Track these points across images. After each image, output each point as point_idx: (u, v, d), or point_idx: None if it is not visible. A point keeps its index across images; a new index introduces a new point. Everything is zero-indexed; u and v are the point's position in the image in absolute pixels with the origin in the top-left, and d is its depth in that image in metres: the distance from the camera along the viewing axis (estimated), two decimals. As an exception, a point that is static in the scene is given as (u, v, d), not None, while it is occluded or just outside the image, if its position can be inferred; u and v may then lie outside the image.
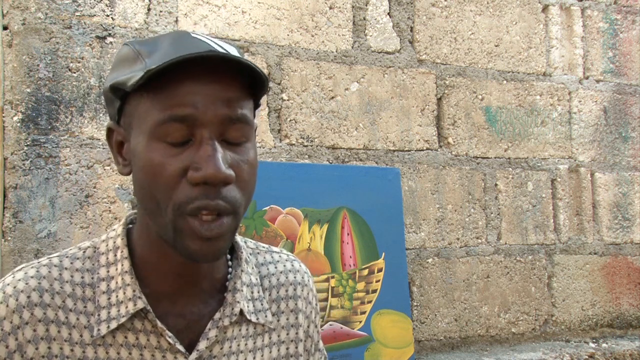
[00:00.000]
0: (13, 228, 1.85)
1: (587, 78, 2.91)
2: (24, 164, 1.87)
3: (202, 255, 0.78)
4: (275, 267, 0.97)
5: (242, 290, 0.88)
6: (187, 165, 0.76)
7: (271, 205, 2.05)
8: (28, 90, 1.90)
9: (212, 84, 0.77)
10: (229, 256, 0.92)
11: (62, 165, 1.92)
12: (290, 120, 2.28)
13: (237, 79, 0.79)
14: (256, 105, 0.86)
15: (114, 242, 0.87)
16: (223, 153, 0.77)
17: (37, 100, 1.91)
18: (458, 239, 2.55)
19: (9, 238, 1.84)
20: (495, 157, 2.66)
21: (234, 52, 0.80)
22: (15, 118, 1.88)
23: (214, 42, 0.80)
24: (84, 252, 0.87)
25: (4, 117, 1.88)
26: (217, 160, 0.75)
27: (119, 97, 0.81)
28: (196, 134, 0.77)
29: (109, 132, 0.86)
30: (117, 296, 0.83)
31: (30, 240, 1.86)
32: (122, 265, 0.84)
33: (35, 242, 1.87)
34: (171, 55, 0.75)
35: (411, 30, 2.54)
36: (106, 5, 2.02)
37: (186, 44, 0.78)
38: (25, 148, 1.88)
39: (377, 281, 2.19)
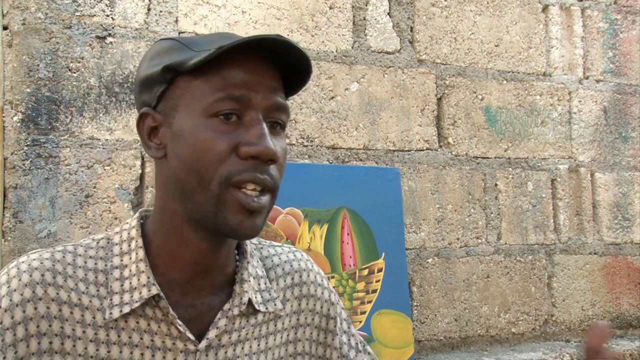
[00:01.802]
0: (13, 228, 1.85)
1: (587, 78, 2.91)
2: (24, 164, 1.87)
3: (244, 229, 0.81)
4: (279, 258, 1.00)
5: (249, 281, 0.90)
6: (237, 142, 0.81)
7: (271, 205, 2.05)
8: (28, 90, 1.90)
9: (261, 72, 0.84)
10: (235, 250, 0.94)
11: (62, 165, 1.92)
12: (290, 120, 2.28)
13: (277, 72, 0.86)
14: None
15: (128, 234, 0.89)
16: (271, 135, 0.83)
17: (37, 100, 1.91)
18: (458, 239, 2.55)
19: (9, 238, 1.84)
20: (495, 157, 2.66)
21: None
22: (15, 118, 1.88)
23: None
24: (98, 242, 0.89)
25: (4, 117, 1.88)
26: (268, 139, 0.81)
27: (168, 80, 0.85)
28: (246, 115, 0.82)
29: (142, 117, 0.88)
30: (130, 283, 0.84)
31: (30, 240, 1.86)
32: (137, 254, 0.86)
33: (35, 242, 1.87)
34: (223, 43, 0.80)
35: (411, 30, 2.54)
36: (106, 5, 2.02)
37: (231, 35, 0.86)
38: (25, 148, 1.88)
39: (377, 281, 2.19)
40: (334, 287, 2.11)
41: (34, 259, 0.84)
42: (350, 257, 2.16)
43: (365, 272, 2.17)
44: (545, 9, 2.82)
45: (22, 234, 1.86)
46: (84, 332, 0.82)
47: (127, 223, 0.91)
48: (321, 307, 1.00)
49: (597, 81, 2.93)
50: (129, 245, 0.88)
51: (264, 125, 0.82)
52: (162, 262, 0.87)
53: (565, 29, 2.87)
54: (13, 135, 1.87)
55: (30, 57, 1.91)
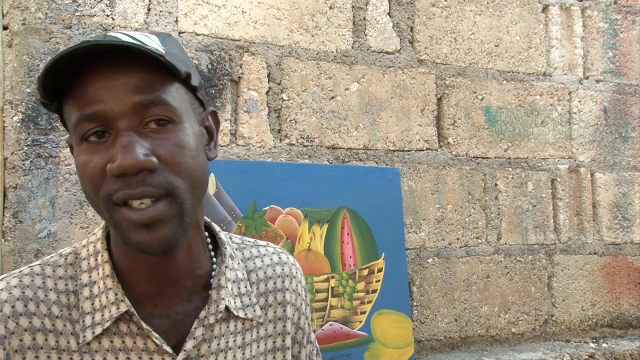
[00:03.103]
0: (13, 228, 1.85)
1: (587, 78, 2.91)
2: (24, 164, 1.87)
3: (147, 245, 0.76)
4: (262, 261, 0.96)
5: (226, 287, 0.88)
6: (107, 160, 0.76)
7: (271, 205, 2.05)
8: (28, 90, 1.90)
9: (120, 75, 0.76)
10: (212, 252, 0.91)
11: (62, 165, 1.92)
12: (290, 120, 2.28)
13: (148, 66, 0.78)
14: (192, 88, 0.84)
15: (95, 247, 0.86)
16: (141, 142, 0.76)
17: (37, 100, 1.91)
18: (458, 239, 2.55)
19: (9, 238, 1.84)
20: (495, 157, 2.66)
21: (150, 42, 0.79)
22: (15, 118, 1.88)
23: (124, 34, 0.79)
24: (65, 258, 0.87)
25: (4, 117, 1.88)
26: (131, 149, 0.74)
27: (55, 110, 0.82)
28: (113, 128, 0.76)
29: (70, 147, 0.85)
30: (100, 301, 0.82)
31: (30, 240, 1.86)
32: (103, 269, 0.84)
33: (35, 242, 1.87)
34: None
35: (411, 30, 2.54)
36: (106, 5, 2.02)
37: (76, 45, 0.77)
38: (25, 148, 1.88)
39: (377, 281, 2.19)
40: (333, 287, 2.11)
41: (2, 289, 0.82)
42: (350, 257, 2.16)
43: (365, 272, 2.17)
44: (545, 9, 2.82)
45: (22, 234, 1.86)
46: (59, 358, 0.81)
47: (93, 234, 0.88)
48: (298, 319, 0.99)
49: (597, 81, 2.93)
50: (96, 260, 0.85)
51: (129, 134, 0.75)
52: (128, 275, 0.84)
53: (565, 29, 2.87)
54: (13, 135, 1.87)
55: (30, 57, 1.91)
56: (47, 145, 1.91)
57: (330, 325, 2.09)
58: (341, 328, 2.11)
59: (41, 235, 1.88)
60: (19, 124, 1.88)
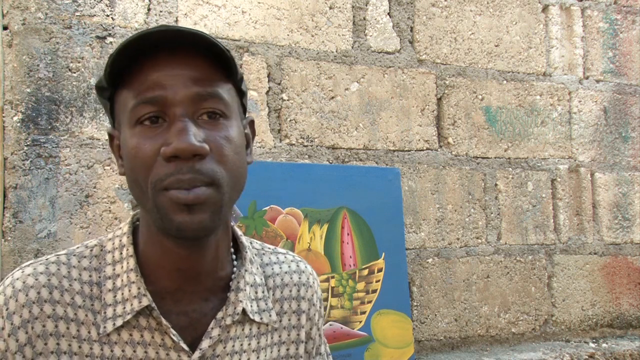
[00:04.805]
0: (13, 228, 1.85)
1: (587, 78, 2.91)
2: (24, 164, 1.88)
3: (186, 226, 0.78)
4: (280, 268, 0.98)
5: (245, 290, 0.89)
6: (161, 144, 0.79)
7: (271, 205, 2.05)
8: (28, 90, 1.90)
9: (181, 66, 0.80)
10: (234, 256, 0.93)
11: (62, 165, 1.92)
12: (290, 120, 2.28)
13: (208, 62, 0.82)
14: (240, 91, 0.88)
15: (120, 240, 0.88)
16: (196, 129, 0.79)
17: (37, 100, 1.91)
18: (458, 239, 2.55)
19: (9, 238, 1.85)
20: (495, 157, 2.66)
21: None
22: (15, 118, 1.88)
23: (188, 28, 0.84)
24: (91, 250, 0.89)
25: (4, 117, 1.88)
26: (186, 134, 0.77)
27: (107, 98, 0.85)
28: (169, 114, 0.80)
29: (110, 137, 0.89)
30: (122, 294, 0.84)
31: (30, 240, 1.86)
32: (128, 263, 0.86)
33: (35, 242, 1.87)
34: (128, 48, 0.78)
35: (411, 30, 2.54)
36: (106, 5, 2.02)
37: (150, 29, 0.81)
38: (25, 148, 1.88)
39: (377, 281, 2.19)
40: (333, 287, 2.11)
41: (29, 275, 0.84)
42: (350, 257, 2.16)
43: (365, 272, 2.17)
44: (545, 9, 2.82)
45: (22, 234, 1.86)
46: (79, 347, 0.82)
47: (119, 228, 0.90)
48: (310, 329, 1.00)
49: (597, 81, 2.93)
50: (121, 254, 0.87)
51: (186, 120, 0.79)
52: (151, 270, 0.86)
53: (565, 29, 2.87)
54: (13, 135, 1.88)
55: (30, 57, 1.91)
56: (47, 145, 1.91)
57: (330, 325, 2.09)
58: (341, 328, 2.11)
59: (41, 235, 1.88)
60: (19, 124, 1.88)
